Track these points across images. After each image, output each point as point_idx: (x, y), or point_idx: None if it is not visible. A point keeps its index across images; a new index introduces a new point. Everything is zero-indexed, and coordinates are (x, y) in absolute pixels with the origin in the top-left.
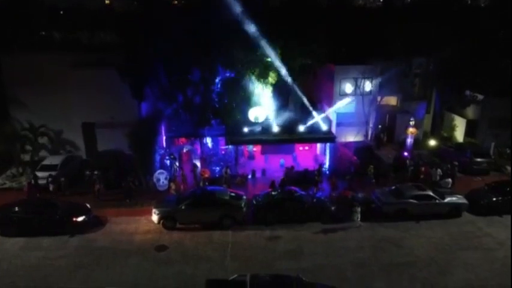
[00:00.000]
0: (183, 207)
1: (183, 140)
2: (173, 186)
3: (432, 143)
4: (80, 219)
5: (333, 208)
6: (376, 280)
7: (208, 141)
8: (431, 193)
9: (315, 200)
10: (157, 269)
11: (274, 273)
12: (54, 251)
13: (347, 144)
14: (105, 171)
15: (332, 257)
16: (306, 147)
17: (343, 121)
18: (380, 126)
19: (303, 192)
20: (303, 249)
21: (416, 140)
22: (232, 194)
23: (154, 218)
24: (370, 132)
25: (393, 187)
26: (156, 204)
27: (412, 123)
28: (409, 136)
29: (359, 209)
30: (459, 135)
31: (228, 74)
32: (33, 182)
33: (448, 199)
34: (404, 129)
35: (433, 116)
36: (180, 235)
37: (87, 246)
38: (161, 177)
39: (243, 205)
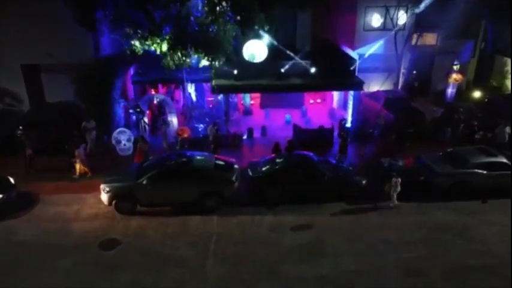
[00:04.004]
0: (145, 182)
1: (156, 88)
2: (144, 148)
3: (477, 94)
4: None
5: (364, 182)
6: None
7: (191, 89)
8: (505, 159)
9: (338, 170)
10: (100, 276)
11: None
12: None
13: (373, 95)
14: (41, 130)
15: (368, 258)
16: (318, 100)
17: (366, 65)
18: (415, 72)
19: (320, 158)
20: (322, 244)
21: (457, 90)
22: (220, 162)
23: (104, 197)
24: (401, 80)
25: (441, 153)
26: (106, 178)
27: (456, 67)
28: (451, 85)
29: (399, 181)
30: None
31: None
32: None
33: None
34: (444, 76)
35: (478, 60)
36: (140, 223)
37: (1, 241)
38: (122, 138)
39: (234, 178)
